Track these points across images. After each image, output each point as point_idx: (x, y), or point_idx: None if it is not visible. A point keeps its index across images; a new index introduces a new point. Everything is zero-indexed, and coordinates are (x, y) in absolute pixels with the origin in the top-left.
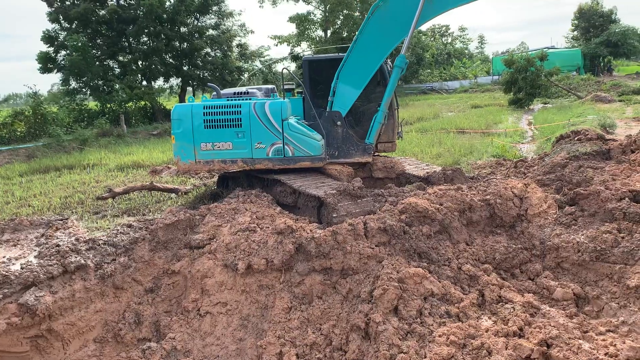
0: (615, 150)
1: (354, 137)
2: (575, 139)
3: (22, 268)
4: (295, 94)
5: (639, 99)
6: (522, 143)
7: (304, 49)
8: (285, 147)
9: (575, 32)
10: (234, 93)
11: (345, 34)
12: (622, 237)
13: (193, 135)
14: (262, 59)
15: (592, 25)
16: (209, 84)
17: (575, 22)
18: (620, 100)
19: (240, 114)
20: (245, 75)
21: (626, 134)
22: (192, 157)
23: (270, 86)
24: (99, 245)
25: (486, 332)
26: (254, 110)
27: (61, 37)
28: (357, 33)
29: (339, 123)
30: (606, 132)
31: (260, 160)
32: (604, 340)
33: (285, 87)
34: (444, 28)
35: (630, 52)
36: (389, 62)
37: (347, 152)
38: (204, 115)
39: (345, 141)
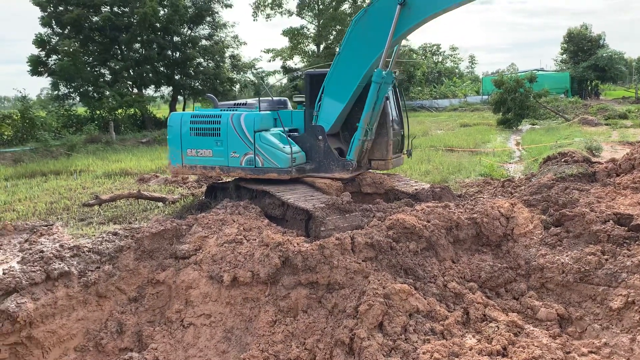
0: (600, 173)
1: (334, 153)
2: (562, 160)
3: (4, 273)
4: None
5: (624, 123)
6: (510, 163)
7: (296, 63)
8: (256, 157)
9: (564, 56)
10: (234, 104)
11: (338, 49)
12: (606, 259)
13: (181, 141)
14: (254, 70)
15: (581, 49)
16: (207, 94)
17: (565, 45)
18: (606, 124)
19: (220, 123)
20: (237, 86)
21: (611, 157)
22: (180, 162)
23: (282, 98)
24: (84, 252)
25: (470, 350)
26: (231, 121)
27: (53, 41)
28: (339, 46)
29: (320, 137)
30: (592, 154)
31: (234, 169)
32: None
33: (296, 99)
34: (435, 47)
35: (617, 76)
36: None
37: (327, 166)
38: (190, 123)
39: (327, 156)
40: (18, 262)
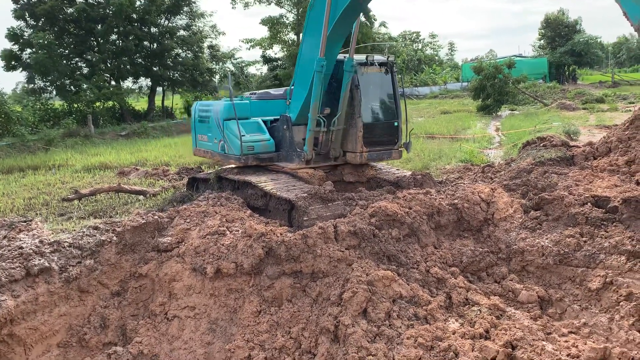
0: (578, 157)
1: (295, 143)
2: (541, 145)
3: None
4: None
5: (601, 107)
6: (490, 148)
7: (276, 52)
8: (224, 144)
9: (542, 41)
10: (249, 94)
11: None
12: (585, 241)
13: (195, 127)
14: (234, 60)
15: (558, 34)
16: (224, 85)
17: (542, 31)
18: (584, 108)
19: (209, 112)
20: (217, 77)
21: (589, 140)
22: (195, 145)
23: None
24: (64, 247)
25: (453, 334)
26: (216, 110)
27: (27, 34)
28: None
29: (284, 127)
30: (570, 138)
31: (215, 154)
32: (566, 341)
33: None
34: (414, 34)
35: (594, 61)
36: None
37: (290, 156)
38: (199, 111)
39: (290, 146)
40: None
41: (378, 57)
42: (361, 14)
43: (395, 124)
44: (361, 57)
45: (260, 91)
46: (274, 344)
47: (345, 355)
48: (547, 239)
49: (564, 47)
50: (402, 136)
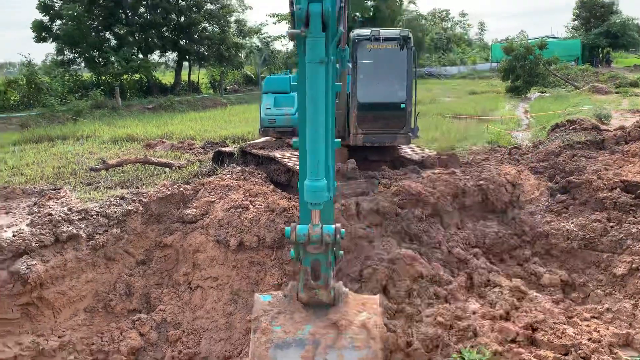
0: (609, 141)
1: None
2: (571, 128)
3: (14, 236)
4: None
5: (635, 91)
6: (517, 131)
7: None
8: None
9: (576, 22)
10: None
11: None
12: (612, 227)
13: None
14: (260, 35)
15: (593, 15)
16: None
17: (577, 11)
18: (617, 92)
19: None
20: (243, 52)
21: (621, 125)
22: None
23: None
24: (92, 215)
25: (473, 314)
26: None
27: (57, 6)
28: None
29: None
30: (601, 122)
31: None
32: (588, 326)
33: None
34: (444, 13)
35: (630, 44)
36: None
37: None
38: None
39: None
40: (27, 225)
41: (386, 32)
42: None
43: (402, 105)
44: (366, 31)
45: None
46: None
47: None
48: (572, 223)
49: (599, 29)
50: (412, 120)
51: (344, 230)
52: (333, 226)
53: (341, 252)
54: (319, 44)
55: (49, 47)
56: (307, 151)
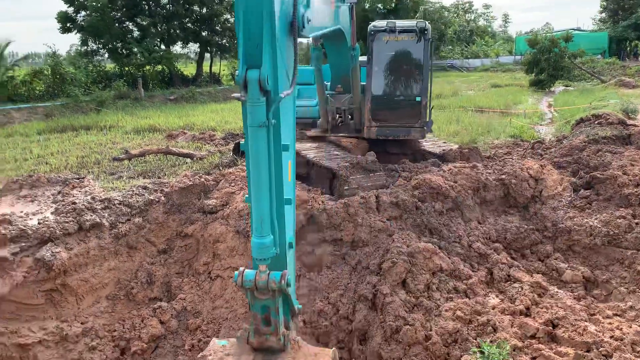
0: (636, 136)
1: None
2: (596, 122)
3: (39, 223)
4: None
5: None
6: (541, 125)
7: None
8: None
9: (603, 14)
10: None
11: (367, 5)
12: (637, 223)
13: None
14: None
15: (621, 7)
16: None
17: (604, 3)
18: None
19: None
20: None
21: None
22: None
23: None
24: (115, 205)
25: (493, 309)
26: None
27: None
28: None
29: None
30: (628, 117)
31: None
32: (610, 323)
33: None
34: (467, 4)
35: None
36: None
37: (315, 124)
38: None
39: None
40: (52, 213)
41: (403, 23)
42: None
43: (418, 99)
44: (382, 23)
45: None
46: (313, 308)
47: (382, 323)
48: (596, 219)
49: (627, 21)
50: (427, 114)
51: (290, 277)
52: (280, 272)
53: (299, 305)
54: (259, 109)
55: (74, 38)
56: (251, 209)
